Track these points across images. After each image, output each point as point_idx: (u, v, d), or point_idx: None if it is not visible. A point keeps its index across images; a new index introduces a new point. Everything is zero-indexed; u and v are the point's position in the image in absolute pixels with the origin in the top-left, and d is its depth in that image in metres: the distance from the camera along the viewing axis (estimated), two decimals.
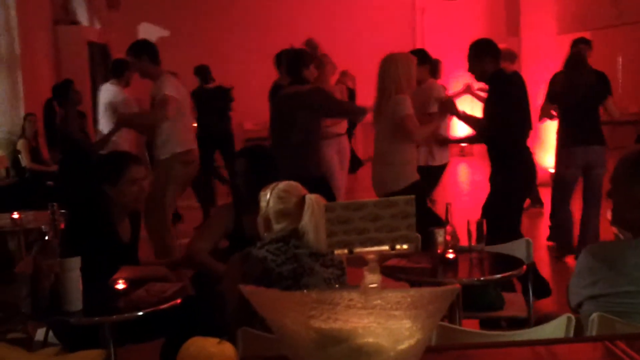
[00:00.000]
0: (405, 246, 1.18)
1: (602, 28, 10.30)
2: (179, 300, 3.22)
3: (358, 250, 1.16)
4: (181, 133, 6.08)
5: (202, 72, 10.04)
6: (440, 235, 3.80)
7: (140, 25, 15.24)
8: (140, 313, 3.08)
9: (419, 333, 1.12)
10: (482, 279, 3.74)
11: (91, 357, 1.17)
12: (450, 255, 3.77)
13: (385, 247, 1.17)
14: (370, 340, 1.10)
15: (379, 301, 1.07)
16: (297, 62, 5.87)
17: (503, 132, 5.28)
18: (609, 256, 2.57)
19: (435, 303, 1.11)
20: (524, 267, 3.78)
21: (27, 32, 9.76)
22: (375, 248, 1.16)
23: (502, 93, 5.29)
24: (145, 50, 6.08)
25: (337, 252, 1.17)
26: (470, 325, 3.93)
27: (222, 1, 15.36)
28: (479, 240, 3.84)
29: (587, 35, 9.77)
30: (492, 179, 5.46)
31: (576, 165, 6.65)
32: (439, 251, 3.79)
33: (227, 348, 1.22)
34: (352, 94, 9.63)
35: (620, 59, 11.13)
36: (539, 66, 10.29)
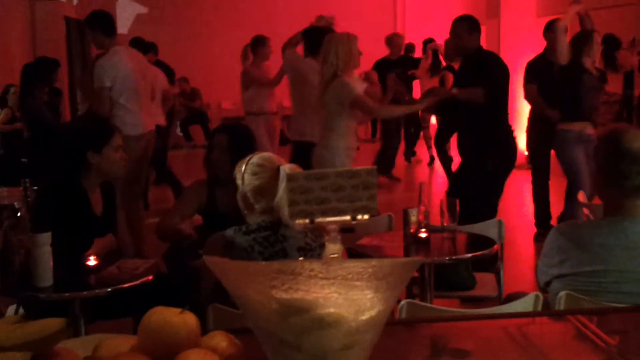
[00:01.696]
0: (366, 216, 1.19)
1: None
2: (150, 277, 3.20)
3: (319, 220, 1.16)
4: (129, 116, 5.84)
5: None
6: (414, 215, 3.82)
7: (118, 2, 15.10)
8: (110, 289, 3.07)
9: (380, 304, 1.13)
10: (453, 258, 3.77)
11: (52, 325, 1.17)
12: (423, 235, 3.78)
13: (347, 218, 1.17)
14: (332, 310, 1.10)
15: (340, 271, 1.07)
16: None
17: (494, 109, 5.32)
18: (577, 236, 2.60)
19: (396, 274, 1.12)
20: (495, 246, 3.81)
21: (3, 7, 9.64)
22: (337, 218, 1.16)
23: (496, 70, 5.34)
24: (98, 22, 5.95)
25: (298, 221, 1.17)
26: (442, 305, 3.96)
27: None
28: (452, 219, 3.86)
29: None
30: (476, 158, 5.43)
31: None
32: (411, 230, 3.81)
33: (189, 317, 1.23)
34: None
35: (600, 41, 11.16)
36: (518, 48, 10.33)
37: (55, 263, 3.02)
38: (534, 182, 7.12)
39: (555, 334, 2.05)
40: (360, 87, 5.40)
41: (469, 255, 3.77)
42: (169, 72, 9.95)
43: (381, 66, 9.07)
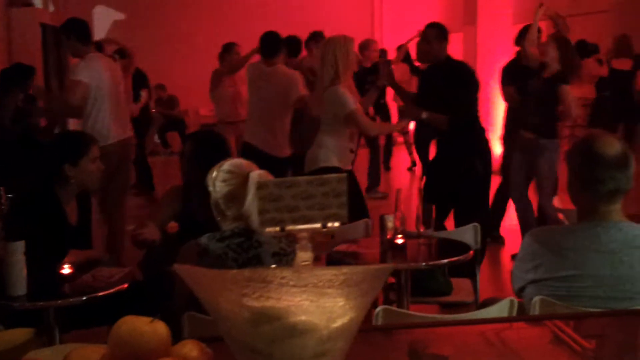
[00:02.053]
0: (336, 224, 1.19)
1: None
2: (125, 286, 3.19)
3: (290, 228, 1.16)
4: (104, 124, 5.79)
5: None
6: (390, 221, 3.83)
7: (95, 8, 15.03)
8: (85, 298, 3.05)
9: (352, 311, 1.13)
10: (429, 263, 3.79)
11: (20, 336, 1.16)
12: (400, 241, 3.79)
13: (317, 225, 1.17)
14: (303, 318, 1.10)
15: (311, 279, 1.07)
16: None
17: (471, 118, 5.37)
18: (551, 241, 2.61)
19: (368, 281, 1.12)
20: (471, 252, 3.83)
21: None
22: (307, 226, 1.16)
23: (468, 79, 5.38)
24: (73, 30, 5.91)
25: (268, 229, 1.17)
26: (419, 310, 3.97)
27: None
28: (427, 225, 3.88)
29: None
30: (461, 167, 5.46)
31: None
32: (388, 237, 3.82)
33: (160, 327, 1.22)
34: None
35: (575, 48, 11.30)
36: (495, 55, 10.40)
37: (29, 272, 3.01)
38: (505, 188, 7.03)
39: (533, 338, 2.06)
40: (355, 97, 5.37)
41: (445, 260, 3.79)
42: (142, 80, 9.95)
43: (355, 74, 9.08)
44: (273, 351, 1.12)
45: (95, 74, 5.77)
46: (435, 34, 5.43)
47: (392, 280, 4.15)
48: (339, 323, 1.12)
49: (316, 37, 8.28)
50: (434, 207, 3.92)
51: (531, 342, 2.02)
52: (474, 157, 5.41)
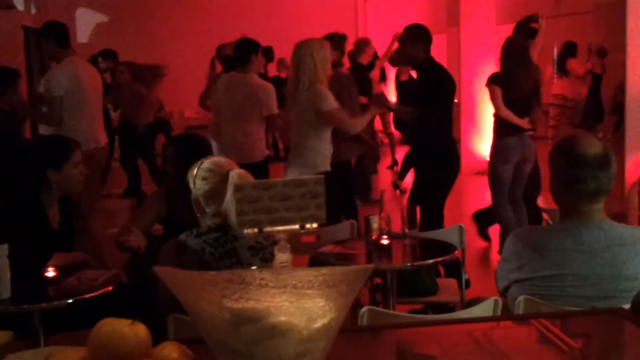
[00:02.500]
0: (314, 225, 1.19)
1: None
2: (110, 288, 3.18)
3: (268, 229, 1.17)
4: (78, 131, 5.66)
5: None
6: (375, 222, 3.84)
7: (77, 11, 14.97)
8: (70, 301, 3.05)
9: (332, 312, 1.13)
10: (415, 264, 3.80)
11: None
12: (385, 242, 3.81)
13: (295, 226, 1.18)
14: (283, 319, 1.11)
15: (290, 280, 1.08)
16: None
17: (433, 121, 5.32)
18: (534, 241, 2.63)
19: (348, 282, 1.12)
20: (456, 252, 3.85)
21: None
22: (285, 227, 1.17)
23: (435, 82, 5.32)
24: (52, 33, 5.92)
25: (246, 231, 1.17)
26: (405, 311, 3.98)
27: None
28: (411, 226, 3.89)
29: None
30: (419, 168, 5.49)
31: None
32: (373, 237, 3.83)
33: (140, 329, 1.22)
34: (283, 82, 9.65)
35: (556, 49, 11.38)
36: (479, 56, 10.45)
37: (13, 275, 3.00)
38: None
39: (519, 337, 2.07)
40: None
41: (431, 261, 3.80)
42: None
43: (353, 71, 9.06)
44: (254, 352, 1.12)
45: (69, 80, 5.77)
46: (408, 35, 5.38)
47: (378, 280, 4.17)
48: (319, 323, 1.12)
49: None
50: (418, 208, 3.93)
51: (518, 341, 2.03)
52: (426, 163, 5.42)
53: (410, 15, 13.37)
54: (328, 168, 5.04)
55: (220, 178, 2.76)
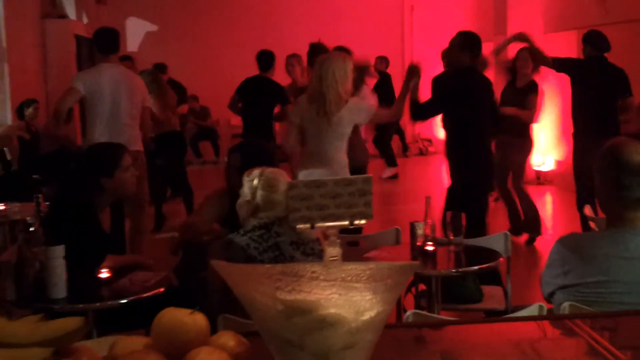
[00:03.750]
0: (363, 221, 1.25)
1: (588, 27, 10.39)
2: (161, 290, 3.28)
3: (319, 225, 1.23)
4: (97, 133, 5.92)
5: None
6: (420, 229, 3.88)
7: (127, 20, 15.24)
8: (123, 301, 3.14)
9: (379, 305, 1.19)
10: (459, 270, 3.82)
11: (70, 323, 1.25)
12: (430, 248, 3.84)
13: (345, 223, 1.24)
14: (333, 311, 1.17)
15: (340, 273, 1.14)
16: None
17: (463, 128, 5.44)
18: (580, 247, 2.63)
19: (393, 277, 1.18)
20: (501, 259, 3.86)
21: (15, 25, 9.76)
22: (335, 223, 1.24)
23: (470, 88, 5.45)
24: (95, 39, 6.23)
25: (299, 226, 1.24)
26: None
27: None
28: (456, 233, 3.91)
29: (573, 34, 9.85)
30: (458, 174, 5.56)
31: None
32: (418, 243, 3.87)
33: (200, 318, 1.29)
34: None
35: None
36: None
37: (69, 276, 3.10)
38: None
39: (561, 339, 2.06)
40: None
41: (476, 267, 3.82)
42: (180, 91, 10.10)
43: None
44: (305, 342, 1.19)
45: (92, 83, 5.92)
46: (457, 42, 5.54)
47: (423, 287, 4.20)
48: (366, 316, 1.18)
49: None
50: (463, 215, 3.95)
51: (559, 343, 2.03)
52: (456, 169, 5.53)
53: (456, 23, 13.35)
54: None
55: (284, 188, 2.92)
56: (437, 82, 5.97)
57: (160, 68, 10.08)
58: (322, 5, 15.25)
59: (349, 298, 1.15)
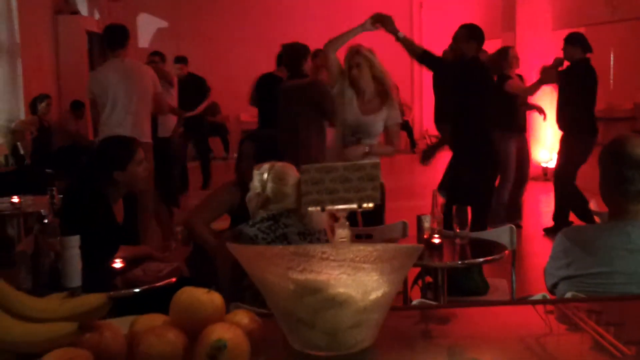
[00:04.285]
0: (370, 204, 1.32)
1: (596, 24, 10.41)
2: (174, 280, 3.34)
3: (329, 207, 1.30)
4: (108, 126, 6.12)
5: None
6: (427, 221, 3.94)
7: (139, 16, 15.33)
8: (137, 290, 3.21)
9: (386, 286, 1.26)
10: (465, 262, 3.88)
11: (95, 300, 1.32)
12: (436, 240, 3.90)
13: (354, 205, 1.31)
14: (342, 290, 1.24)
15: (349, 254, 1.21)
16: (296, 56, 6.19)
17: (472, 117, 5.50)
18: (582, 239, 2.68)
19: (399, 258, 1.25)
20: (507, 252, 3.92)
21: (28, 21, 9.84)
22: (345, 206, 1.31)
23: (477, 77, 5.51)
24: (103, 36, 6.41)
25: (310, 209, 1.31)
26: None
27: None
28: (462, 226, 3.97)
29: (581, 30, 9.88)
30: (457, 166, 5.62)
31: None
32: (425, 236, 3.92)
33: (216, 297, 1.37)
34: None
35: (613, 55, 11.27)
36: (533, 61, 10.42)
37: (83, 266, 3.18)
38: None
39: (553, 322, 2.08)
40: None
41: (481, 259, 3.88)
42: (200, 84, 10.28)
43: None
44: (315, 321, 1.26)
45: (99, 81, 6.17)
46: (465, 33, 5.66)
47: (430, 279, 4.26)
48: (373, 296, 1.25)
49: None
50: (469, 209, 4.01)
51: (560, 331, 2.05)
52: (462, 160, 5.60)
53: (465, 19, 13.34)
54: None
55: (293, 181, 3.00)
56: (446, 66, 6.03)
57: (181, 61, 10.22)
58: (331, 2, 15.30)
59: (357, 278, 1.22)
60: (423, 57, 5.65)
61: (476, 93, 5.52)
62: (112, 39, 6.25)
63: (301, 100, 5.56)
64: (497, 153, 5.71)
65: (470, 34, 5.64)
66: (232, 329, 1.27)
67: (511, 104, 7.63)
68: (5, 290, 1.35)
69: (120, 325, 1.42)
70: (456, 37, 5.75)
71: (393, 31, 5.47)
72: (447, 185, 5.86)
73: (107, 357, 1.29)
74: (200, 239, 4.02)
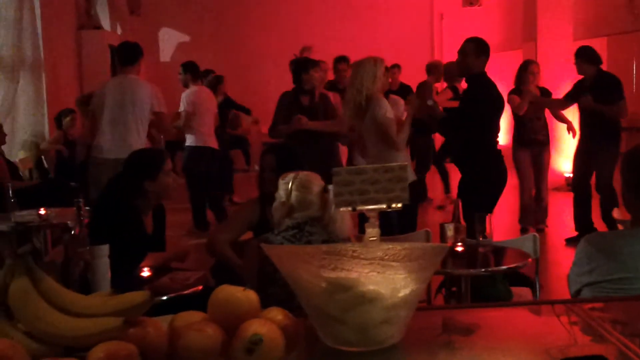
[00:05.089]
0: (399, 205, 1.38)
1: (618, 34, 10.40)
2: (200, 288, 3.40)
3: (360, 208, 1.36)
4: (100, 140, 6.38)
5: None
6: (450, 230, 3.98)
7: (160, 31, 15.49)
8: (164, 298, 3.27)
9: (413, 284, 1.31)
10: (489, 269, 3.90)
11: (138, 297, 1.39)
12: (459, 248, 3.93)
13: (383, 206, 1.37)
14: (372, 288, 1.29)
15: (378, 252, 1.26)
16: (296, 69, 6.54)
17: (480, 133, 5.50)
18: (605, 245, 2.70)
19: (426, 257, 1.30)
20: (530, 260, 3.94)
21: (52, 36, 9.99)
22: (375, 206, 1.36)
23: (487, 95, 5.51)
24: (117, 52, 6.70)
25: (342, 209, 1.37)
26: None
27: (241, 7, 15.54)
28: (483, 235, 3.99)
29: (603, 40, 9.87)
30: (465, 180, 5.64)
31: None
32: (448, 244, 3.96)
33: (251, 294, 1.43)
34: None
35: (635, 65, 11.23)
36: (555, 72, 10.42)
37: (112, 274, 3.24)
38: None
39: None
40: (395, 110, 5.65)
41: (504, 267, 3.90)
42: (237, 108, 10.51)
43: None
44: (346, 318, 1.31)
45: (97, 96, 6.42)
46: (474, 48, 5.58)
47: (454, 289, 4.29)
48: (402, 293, 1.30)
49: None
50: (489, 217, 4.04)
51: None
52: (469, 174, 5.61)
53: (485, 30, 13.40)
54: (414, 177, 5.36)
55: (317, 190, 3.11)
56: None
57: (217, 79, 10.41)
58: (353, 14, 15.38)
59: (386, 276, 1.27)
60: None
61: (484, 110, 5.49)
62: (123, 56, 6.53)
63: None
64: (502, 171, 5.62)
65: (480, 49, 5.58)
66: (268, 324, 1.33)
67: (519, 117, 7.83)
68: (53, 287, 1.42)
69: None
70: (464, 51, 5.64)
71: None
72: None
73: (150, 350, 1.35)
74: (222, 258, 4.10)
